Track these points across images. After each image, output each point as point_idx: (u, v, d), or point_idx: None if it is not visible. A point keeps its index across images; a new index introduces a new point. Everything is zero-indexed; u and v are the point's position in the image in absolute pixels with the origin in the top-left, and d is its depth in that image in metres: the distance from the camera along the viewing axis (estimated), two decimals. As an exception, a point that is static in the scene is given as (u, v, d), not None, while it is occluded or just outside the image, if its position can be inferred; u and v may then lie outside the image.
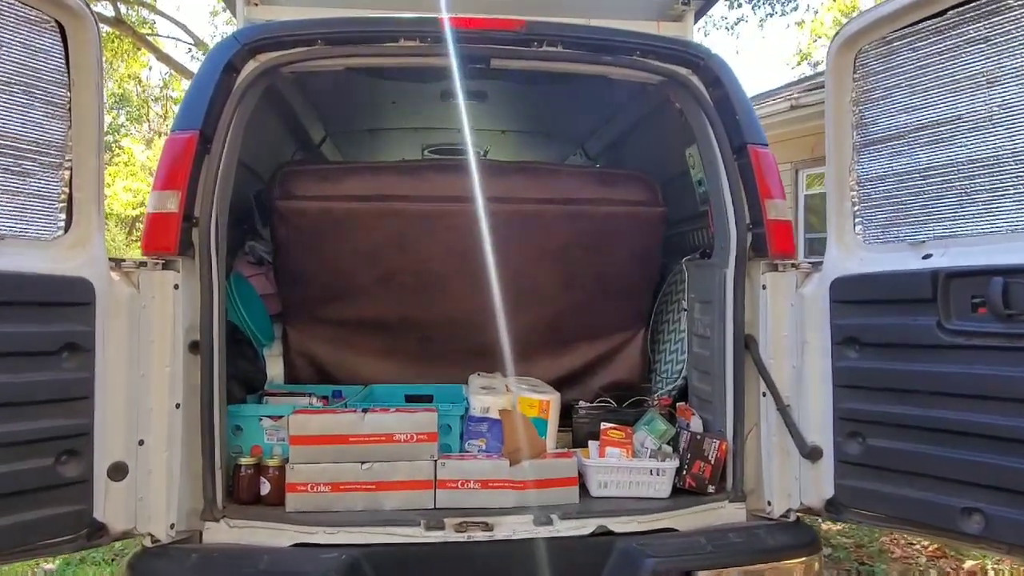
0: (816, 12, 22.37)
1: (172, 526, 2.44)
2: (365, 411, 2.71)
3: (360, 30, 2.68)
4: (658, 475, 2.77)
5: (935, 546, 4.31)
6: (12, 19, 2.09)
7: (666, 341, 3.59)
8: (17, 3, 2.09)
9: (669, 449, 2.89)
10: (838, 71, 2.53)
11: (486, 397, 2.91)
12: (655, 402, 3.27)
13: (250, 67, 2.61)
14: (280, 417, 2.79)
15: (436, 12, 2.72)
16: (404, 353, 3.48)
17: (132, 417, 2.39)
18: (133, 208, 23.46)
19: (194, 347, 2.54)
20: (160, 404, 2.46)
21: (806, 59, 22.79)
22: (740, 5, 19.03)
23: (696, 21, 3.58)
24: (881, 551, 4.48)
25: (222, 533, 2.50)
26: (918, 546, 4.49)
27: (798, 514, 2.70)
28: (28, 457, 2.11)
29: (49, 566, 4.13)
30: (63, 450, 2.19)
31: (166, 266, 2.49)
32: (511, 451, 2.77)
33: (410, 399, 3.32)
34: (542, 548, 2.48)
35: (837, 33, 2.52)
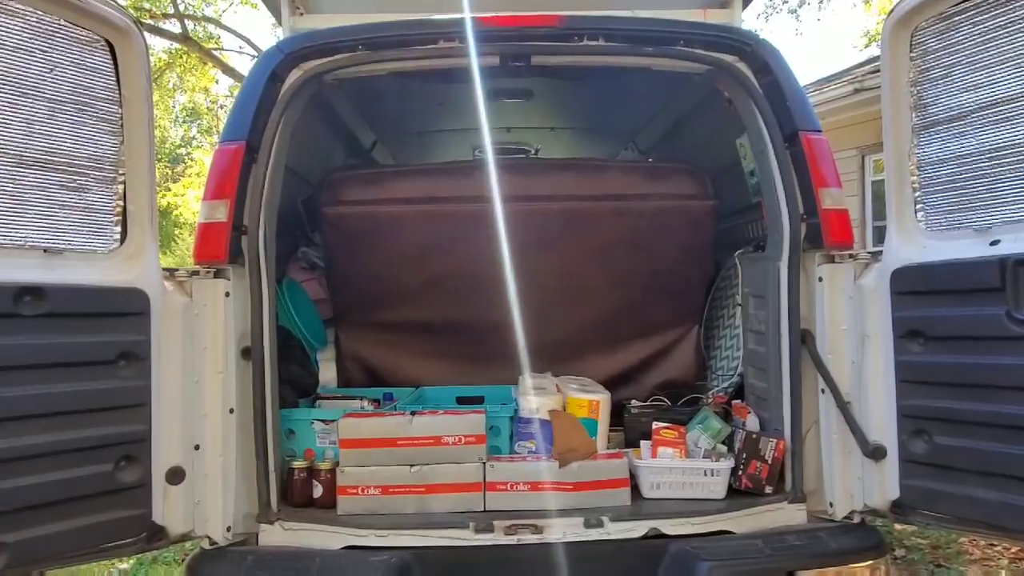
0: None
1: (228, 528, 2.50)
2: (413, 414, 2.72)
3: (399, 34, 2.68)
4: (713, 475, 2.69)
5: (1018, 548, 4.07)
6: (63, 39, 2.17)
7: (721, 337, 3.49)
8: (67, 24, 2.17)
9: (724, 449, 2.81)
10: (894, 51, 2.40)
11: (535, 398, 2.89)
12: (709, 400, 3.18)
13: (294, 76, 2.65)
14: (331, 421, 2.83)
15: (475, 12, 2.71)
16: (455, 355, 3.48)
17: (188, 422, 2.46)
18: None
19: (246, 353, 2.59)
20: (214, 409, 2.52)
21: (875, 40, 21.92)
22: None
23: (744, 7, 3.47)
24: (959, 553, 4.26)
25: (277, 535, 2.54)
26: (999, 547, 4.25)
27: (862, 516, 2.58)
28: (88, 463, 2.19)
29: (124, 565, 4.30)
30: (121, 456, 2.27)
31: (217, 274, 2.55)
32: (561, 452, 2.73)
33: (461, 401, 3.33)
34: (593, 551, 2.44)
35: (891, 11, 2.39)
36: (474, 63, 2.73)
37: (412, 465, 2.64)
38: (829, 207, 2.64)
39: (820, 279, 2.63)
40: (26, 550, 2.07)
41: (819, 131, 2.70)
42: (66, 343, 2.17)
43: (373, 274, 3.27)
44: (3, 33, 2.04)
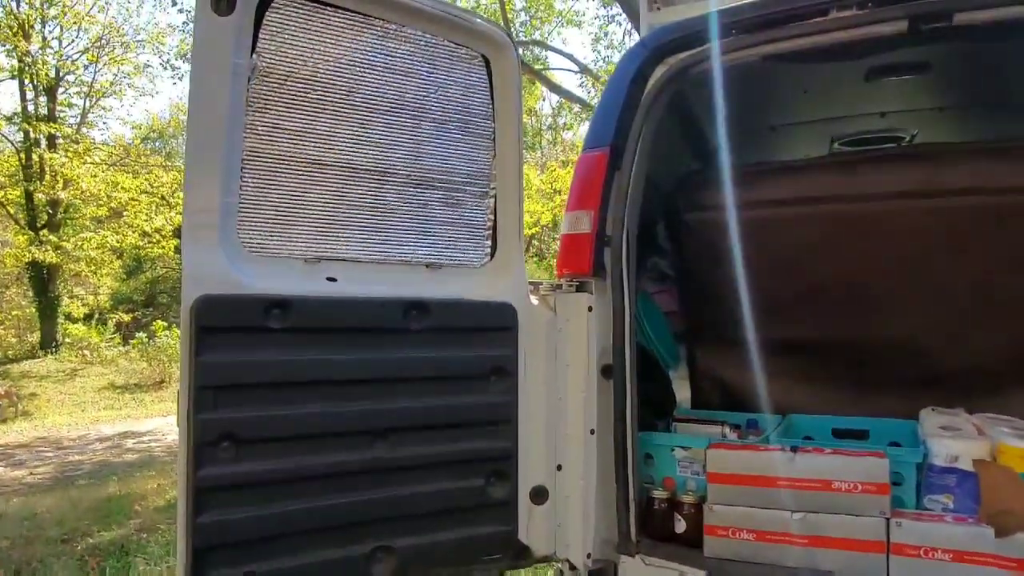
0: None
1: (588, 555, 2.38)
2: (795, 450, 2.33)
3: (784, 9, 2.32)
4: None
5: None
6: (447, 59, 2.22)
7: None
8: (451, 44, 2.21)
9: None
10: None
11: (953, 442, 2.31)
12: None
13: (659, 73, 2.45)
14: (694, 448, 2.57)
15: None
16: (829, 379, 3.00)
17: (551, 442, 2.39)
18: (528, 229, 26.17)
19: (606, 371, 2.45)
20: (576, 430, 2.42)
21: None
22: None
23: None
24: None
25: (637, 569, 2.35)
26: None
27: None
28: (464, 477, 2.21)
29: None
30: (491, 471, 2.26)
31: (580, 288, 2.45)
32: (992, 515, 2.13)
33: (838, 434, 2.85)
34: None
35: None
36: (872, 33, 2.27)
37: (794, 511, 2.26)
38: None
39: None
40: (412, 556, 2.14)
41: None
42: (446, 357, 2.21)
43: (735, 285, 2.93)
44: (397, 59, 2.14)
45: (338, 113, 2.06)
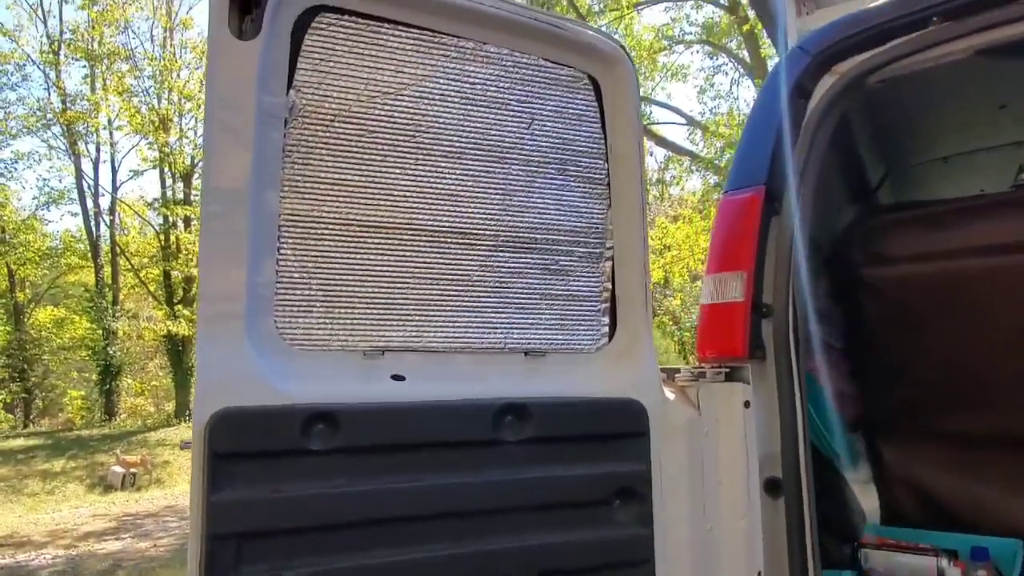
0: None
1: None
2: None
3: None
4: None
5: None
6: (542, 83, 1.71)
7: None
8: (547, 63, 1.70)
9: None
10: None
11: None
12: None
13: (826, 85, 1.84)
14: (908, 598, 1.84)
15: None
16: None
17: (703, 591, 1.73)
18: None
19: (773, 487, 1.79)
20: (736, 571, 1.75)
21: None
22: None
23: None
24: None
25: None
26: None
27: None
28: (584, 648, 1.59)
29: None
30: (624, 638, 1.63)
31: (731, 376, 1.82)
32: None
33: (1108, 567, 2.02)
34: None
35: None
36: None
37: None
38: None
39: None
40: None
41: None
42: (554, 477, 1.63)
43: (938, 360, 2.21)
44: (478, 86, 1.65)
45: (403, 161, 1.58)
